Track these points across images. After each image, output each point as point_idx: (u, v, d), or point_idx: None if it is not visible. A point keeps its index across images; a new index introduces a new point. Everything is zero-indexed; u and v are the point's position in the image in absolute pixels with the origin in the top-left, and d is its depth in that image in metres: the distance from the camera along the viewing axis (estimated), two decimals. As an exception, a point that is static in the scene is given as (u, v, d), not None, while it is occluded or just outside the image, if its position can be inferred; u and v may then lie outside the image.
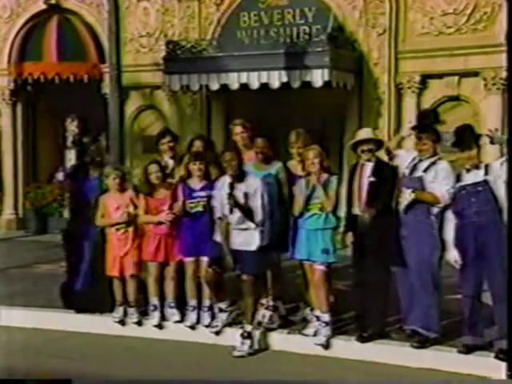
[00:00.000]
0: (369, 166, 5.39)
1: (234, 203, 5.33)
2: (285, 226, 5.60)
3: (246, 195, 5.37)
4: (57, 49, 10.44)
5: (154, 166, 5.87)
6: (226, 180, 5.46)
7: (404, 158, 5.44)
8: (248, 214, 5.36)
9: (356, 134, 5.64)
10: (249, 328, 5.51)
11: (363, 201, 5.33)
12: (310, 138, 5.77)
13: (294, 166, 5.77)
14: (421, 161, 5.27)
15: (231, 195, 5.33)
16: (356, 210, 5.36)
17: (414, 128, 5.48)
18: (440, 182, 5.14)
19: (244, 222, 5.38)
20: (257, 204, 5.37)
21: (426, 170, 5.20)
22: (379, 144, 5.53)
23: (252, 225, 5.38)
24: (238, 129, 6.05)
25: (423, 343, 5.18)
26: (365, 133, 5.57)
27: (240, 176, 5.43)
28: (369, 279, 5.33)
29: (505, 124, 7.99)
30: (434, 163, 5.22)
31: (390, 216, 5.29)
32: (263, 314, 5.78)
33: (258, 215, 5.38)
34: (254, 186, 5.41)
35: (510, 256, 4.70)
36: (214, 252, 5.57)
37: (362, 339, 5.36)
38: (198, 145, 6.08)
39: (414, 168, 5.26)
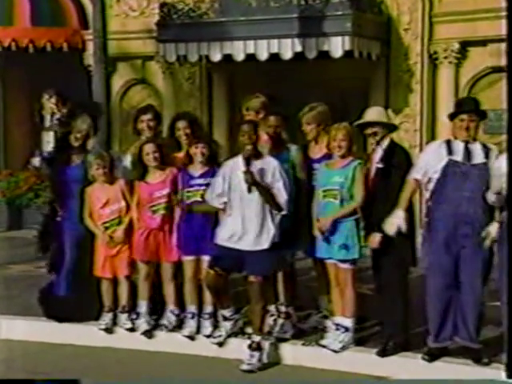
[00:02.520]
0: (379, 151, 5.47)
1: (253, 181, 5.38)
2: (300, 220, 5.71)
3: (261, 171, 5.44)
4: (30, 11, 10.46)
5: (150, 146, 5.95)
6: (238, 160, 5.53)
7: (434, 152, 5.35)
8: (268, 194, 5.43)
9: (364, 113, 5.69)
10: (257, 338, 5.62)
11: (368, 190, 5.41)
12: (328, 114, 5.86)
13: (311, 147, 5.88)
14: (467, 143, 5.23)
15: (248, 172, 5.37)
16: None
17: (452, 116, 5.39)
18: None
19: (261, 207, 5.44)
20: (278, 184, 5.46)
21: (487, 156, 5.16)
22: (392, 127, 5.61)
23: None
24: (256, 102, 6.07)
25: (480, 358, 5.21)
26: (372, 113, 5.62)
27: (256, 155, 5.52)
28: (387, 282, 5.45)
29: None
30: (487, 148, 5.24)
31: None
32: (274, 323, 5.90)
33: (282, 195, 5.44)
34: (272, 165, 5.50)
35: (510, 255, 4.83)
36: (217, 251, 5.64)
37: (384, 353, 5.48)
38: (182, 126, 6.13)
39: (468, 153, 5.20)
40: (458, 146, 5.22)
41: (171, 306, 6.08)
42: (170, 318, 6.07)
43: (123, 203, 6.09)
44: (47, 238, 6.57)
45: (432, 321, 5.36)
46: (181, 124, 6.12)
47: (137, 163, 5.99)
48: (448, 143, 5.28)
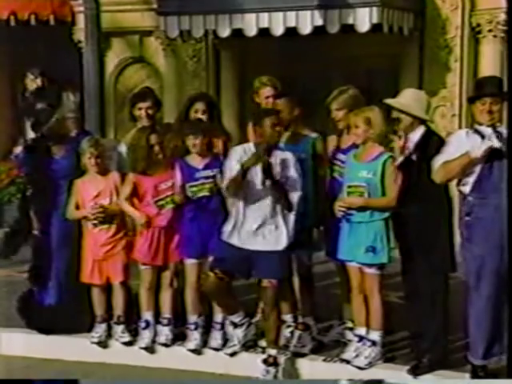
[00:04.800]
0: (413, 139, 5.48)
1: (269, 171, 5.40)
2: (320, 217, 5.81)
3: (284, 163, 5.49)
4: (10, -22, 10.54)
5: (156, 137, 6.02)
6: (248, 147, 5.60)
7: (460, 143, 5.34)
8: (282, 190, 5.49)
9: (399, 95, 5.72)
10: (273, 352, 5.69)
11: (398, 186, 5.44)
12: (359, 97, 5.91)
13: (343, 136, 5.93)
14: (495, 127, 5.22)
15: (264, 158, 5.40)
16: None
17: (471, 100, 5.44)
18: None
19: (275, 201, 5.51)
20: (291, 181, 5.48)
21: None
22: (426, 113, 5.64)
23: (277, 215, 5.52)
24: (267, 91, 6.19)
25: None
26: (407, 98, 5.61)
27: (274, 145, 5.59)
28: (421, 289, 5.50)
29: None
30: None
31: (442, 206, 5.42)
32: (291, 335, 5.96)
33: (296, 194, 5.50)
34: (286, 158, 5.56)
35: (510, 255, 4.95)
36: (220, 250, 5.71)
37: (417, 371, 5.53)
38: (201, 108, 6.22)
39: (502, 138, 5.18)
40: (488, 132, 5.22)
41: (166, 316, 6.15)
42: (164, 331, 6.14)
43: (115, 198, 6.16)
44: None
45: (477, 335, 5.37)
46: (200, 106, 6.22)
47: (145, 156, 6.01)
48: (477, 130, 5.27)
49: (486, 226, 5.23)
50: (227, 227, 5.66)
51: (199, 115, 6.18)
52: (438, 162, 5.27)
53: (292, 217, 5.55)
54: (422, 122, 5.58)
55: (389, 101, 5.61)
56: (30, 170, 6.55)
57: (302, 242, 5.74)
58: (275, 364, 5.67)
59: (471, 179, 5.27)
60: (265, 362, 5.68)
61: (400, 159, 5.45)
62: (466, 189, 5.32)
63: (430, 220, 5.42)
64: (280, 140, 5.67)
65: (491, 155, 5.17)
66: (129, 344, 6.21)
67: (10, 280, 7.72)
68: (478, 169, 5.23)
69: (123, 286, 6.24)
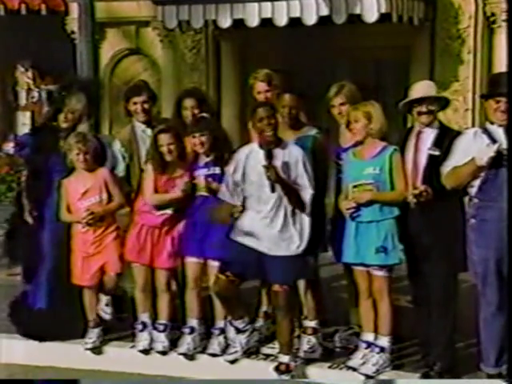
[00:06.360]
0: (429, 134, 5.53)
1: (277, 178, 5.43)
2: (323, 218, 5.84)
3: (286, 165, 5.52)
4: (0, -34, 10.59)
5: (165, 137, 5.95)
6: (254, 148, 5.63)
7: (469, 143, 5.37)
8: (292, 192, 5.52)
9: (410, 89, 5.74)
10: (286, 359, 5.71)
11: (419, 182, 5.48)
12: (359, 93, 5.94)
13: (342, 133, 5.95)
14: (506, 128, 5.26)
15: (271, 167, 5.42)
16: (409, 196, 5.51)
17: (484, 97, 5.49)
18: None
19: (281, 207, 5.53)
20: (302, 180, 5.52)
21: None
22: (444, 103, 5.70)
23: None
24: (261, 86, 6.23)
25: None
26: (424, 87, 5.68)
27: (276, 143, 5.60)
28: (434, 292, 5.52)
29: None
30: None
31: (455, 202, 5.45)
32: (299, 340, 5.97)
33: (307, 193, 5.54)
34: (294, 156, 5.58)
35: (510, 256, 5.04)
36: (227, 252, 5.74)
37: (427, 378, 5.53)
38: (189, 105, 6.25)
39: None
40: (499, 133, 5.26)
41: (162, 322, 6.17)
42: (160, 337, 6.16)
43: (105, 196, 6.16)
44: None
45: (487, 342, 5.41)
46: (188, 103, 6.25)
47: (154, 154, 6.01)
48: (486, 130, 5.31)
49: (491, 229, 5.27)
50: (239, 226, 5.70)
51: (188, 112, 6.22)
52: (446, 167, 5.33)
53: (306, 218, 5.58)
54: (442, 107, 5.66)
55: (406, 99, 5.64)
56: (31, 156, 6.54)
57: (310, 244, 5.72)
58: (288, 371, 5.70)
59: (477, 182, 5.32)
60: (277, 369, 5.71)
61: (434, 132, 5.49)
62: (472, 191, 5.37)
63: (449, 218, 5.47)
64: (277, 135, 5.67)
65: (497, 159, 5.20)
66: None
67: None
68: (483, 172, 5.28)
69: (117, 276, 6.21)
